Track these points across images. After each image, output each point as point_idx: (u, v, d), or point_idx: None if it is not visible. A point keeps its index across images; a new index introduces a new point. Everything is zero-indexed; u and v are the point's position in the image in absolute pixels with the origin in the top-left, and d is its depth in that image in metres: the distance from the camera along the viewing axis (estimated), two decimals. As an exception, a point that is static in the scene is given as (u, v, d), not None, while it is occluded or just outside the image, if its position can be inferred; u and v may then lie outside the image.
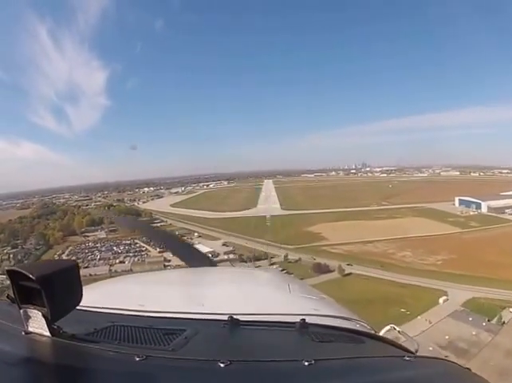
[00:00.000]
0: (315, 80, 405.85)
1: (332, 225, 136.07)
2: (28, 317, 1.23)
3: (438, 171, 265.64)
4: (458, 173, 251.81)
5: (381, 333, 2.04)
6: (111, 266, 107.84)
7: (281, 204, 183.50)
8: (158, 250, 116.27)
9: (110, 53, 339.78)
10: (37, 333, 1.23)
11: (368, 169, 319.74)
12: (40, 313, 1.20)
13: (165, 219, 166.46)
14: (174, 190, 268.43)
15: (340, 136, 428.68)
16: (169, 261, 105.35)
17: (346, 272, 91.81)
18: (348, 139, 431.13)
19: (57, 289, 1.18)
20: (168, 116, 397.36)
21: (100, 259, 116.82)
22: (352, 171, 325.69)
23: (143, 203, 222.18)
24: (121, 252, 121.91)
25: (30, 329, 1.24)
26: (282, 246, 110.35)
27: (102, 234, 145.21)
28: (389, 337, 1.94)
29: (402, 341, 1.99)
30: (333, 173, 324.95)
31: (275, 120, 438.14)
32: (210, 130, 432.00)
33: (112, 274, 79.78)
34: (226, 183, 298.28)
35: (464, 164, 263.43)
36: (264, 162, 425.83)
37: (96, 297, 2.06)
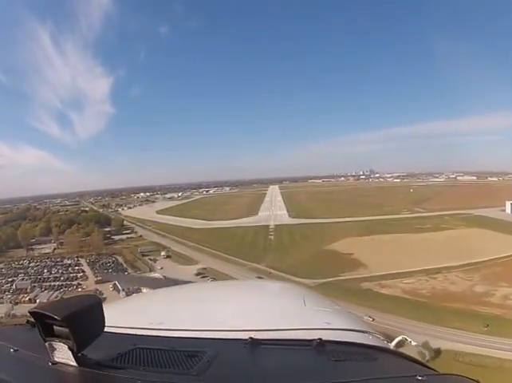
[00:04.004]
0: (320, 88, 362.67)
1: (365, 241, 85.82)
2: (53, 349, 1.19)
3: (452, 176, 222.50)
4: (475, 178, 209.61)
5: (393, 344, 2.02)
6: (15, 304, 64.33)
7: (288, 211, 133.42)
8: (95, 279, 68.85)
9: (113, 59, 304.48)
10: (63, 364, 1.18)
11: (377, 175, 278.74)
12: (65, 345, 1.16)
13: (138, 229, 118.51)
14: (169, 195, 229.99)
15: (345, 143, 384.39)
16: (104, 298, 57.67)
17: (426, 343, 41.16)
18: (353, 146, 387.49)
19: (82, 325, 1.14)
20: (172, 123, 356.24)
21: (14, 291, 71.52)
22: (362, 176, 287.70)
23: (129, 208, 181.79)
24: (49, 278, 76.33)
25: (56, 359, 1.19)
26: (295, 279, 59.61)
27: (49, 248, 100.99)
28: (401, 347, 1.96)
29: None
30: (342, 179, 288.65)
31: (280, 128, 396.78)
32: (214, 137, 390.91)
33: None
34: (227, 189, 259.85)
35: (476, 170, 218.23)
36: (269, 169, 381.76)
37: (116, 316, 1.93)
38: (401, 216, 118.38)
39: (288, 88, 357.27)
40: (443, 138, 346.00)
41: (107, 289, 63.43)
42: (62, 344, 1.17)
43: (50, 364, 1.20)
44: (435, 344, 41.58)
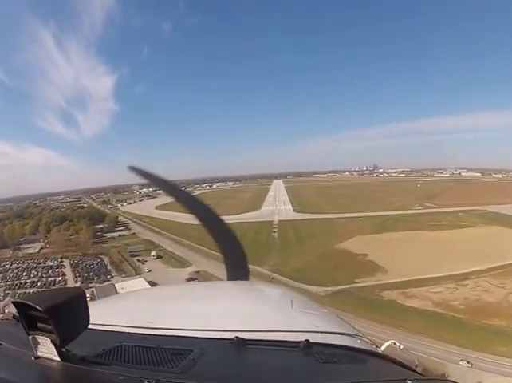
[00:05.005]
0: (324, 83, 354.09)
1: (379, 239, 75.00)
2: (37, 343, 1.15)
3: (456, 172, 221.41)
4: (479, 174, 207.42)
5: (382, 349, 1.93)
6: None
7: (293, 206, 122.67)
8: (73, 285, 58.53)
9: (116, 58, 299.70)
10: (46, 358, 1.14)
11: (381, 170, 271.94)
12: (49, 339, 1.11)
13: (133, 226, 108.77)
14: None
15: (349, 139, 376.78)
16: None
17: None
18: (357, 141, 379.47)
19: (65, 317, 1.10)
20: (175, 119, 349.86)
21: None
22: (366, 171, 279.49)
23: (129, 204, 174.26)
24: (26, 283, 66.25)
25: (39, 353, 1.15)
26: (303, 287, 48.77)
27: (36, 247, 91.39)
28: (390, 351, 1.90)
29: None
30: (346, 173, 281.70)
31: (284, 124, 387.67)
32: (218, 133, 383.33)
33: None
34: (231, 183, 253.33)
35: (477, 167, 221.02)
36: (273, 164, 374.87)
37: (104, 314, 1.90)
38: (413, 212, 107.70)
39: (292, 84, 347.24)
40: (445, 135, 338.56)
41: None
42: (45, 338, 1.12)
43: (33, 358, 1.16)
44: (484, 380, 31.00)
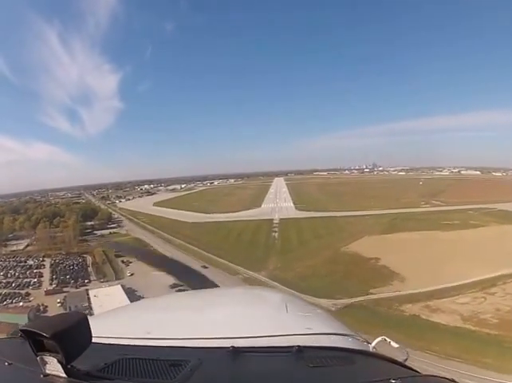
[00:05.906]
0: (324, 82, 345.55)
1: (388, 240, 66.61)
2: (44, 362, 1.22)
3: (455, 170, 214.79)
4: (478, 173, 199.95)
5: (373, 345, 1.98)
6: None
7: (295, 203, 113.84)
8: (47, 289, 51.52)
9: (120, 57, 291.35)
10: (54, 376, 1.21)
11: (380, 168, 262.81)
12: (55, 359, 1.19)
13: (127, 223, 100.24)
14: (172, 187, 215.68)
15: (349, 138, 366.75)
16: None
17: None
18: (356, 140, 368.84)
19: (69, 340, 1.17)
20: (178, 117, 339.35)
21: None
22: (366, 170, 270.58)
23: (127, 200, 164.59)
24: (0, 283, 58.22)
25: (47, 371, 1.23)
26: (307, 298, 39.90)
27: (23, 244, 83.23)
28: (381, 347, 1.95)
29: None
30: (346, 172, 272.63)
31: (285, 122, 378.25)
32: (220, 131, 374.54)
33: None
34: (232, 180, 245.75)
35: (476, 165, 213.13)
36: (274, 162, 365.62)
37: (105, 326, 1.97)
38: (421, 210, 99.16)
39: (293, 83, 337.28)
40: (444, 133, 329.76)
41: (54, 303, 45.21)
42: (52, 357, 1.19)
43: (42, 376, 1.22)
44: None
